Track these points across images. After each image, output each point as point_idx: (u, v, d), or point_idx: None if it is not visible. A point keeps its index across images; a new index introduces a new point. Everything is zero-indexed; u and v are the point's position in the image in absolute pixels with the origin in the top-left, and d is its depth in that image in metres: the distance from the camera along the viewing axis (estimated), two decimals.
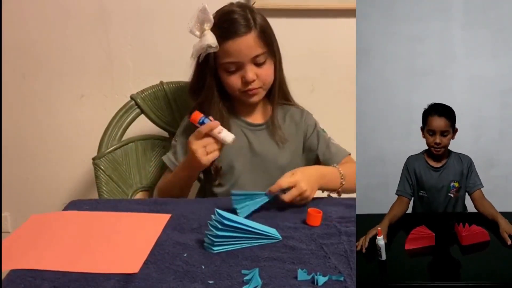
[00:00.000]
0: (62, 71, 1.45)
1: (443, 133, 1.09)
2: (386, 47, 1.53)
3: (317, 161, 1.17)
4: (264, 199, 0.90)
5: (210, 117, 0.98)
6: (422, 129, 1.14)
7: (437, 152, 1.12)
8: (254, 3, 1.31)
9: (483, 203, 1.09)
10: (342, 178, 1.02)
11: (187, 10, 1.36)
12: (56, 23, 1.41)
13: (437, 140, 1.10)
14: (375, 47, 1.53)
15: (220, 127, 0.96)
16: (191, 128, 1.02)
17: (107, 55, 1.44)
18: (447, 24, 1.51)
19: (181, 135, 1.12)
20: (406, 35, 1.52)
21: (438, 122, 1.09)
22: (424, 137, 1.14)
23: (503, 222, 0.97)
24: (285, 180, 0.91)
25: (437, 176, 1.14)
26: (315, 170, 1.00)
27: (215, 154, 0.97)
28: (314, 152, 1.15)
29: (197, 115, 0.97)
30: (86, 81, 1.46)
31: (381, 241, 0.88)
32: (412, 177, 1.14)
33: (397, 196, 1.14)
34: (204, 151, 0.96)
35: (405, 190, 1.13)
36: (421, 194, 1.15)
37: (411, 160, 1.16)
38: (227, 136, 0.96)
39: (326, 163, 1.13)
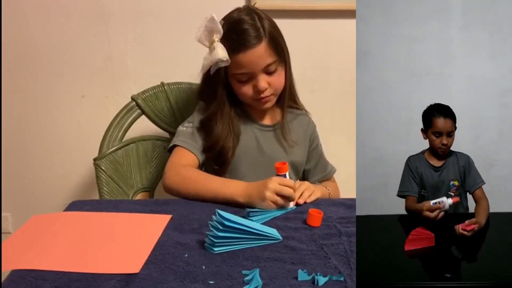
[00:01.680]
0: (63, 72, 1.45)
1: (449, 134, 1.11)
2: (385, 48, 1.54)
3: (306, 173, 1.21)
4: (279, 212, 0.91)
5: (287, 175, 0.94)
6: (424, 130, 1.15)
7: (443, 152, 1.13)
8: (255, 3, 1.32)
9: (480, 203, 1.10)
10: (330, 196, 1.08)
11: (188, 10, 1.38)
12: (57, 23, 1.41)
13: (444, 141, 1.11)
14: (374, 48, 1.53)
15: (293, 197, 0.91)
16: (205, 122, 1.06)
17: (108, 56, 1.44)
18: (446, 25, 1.51)
19: (197, 125, 1.09)
20: (405, 36, 1.52)
21: (445, 124, 1.10)
22: (426, 138, 1.15)
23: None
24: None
25: (437, 176, 1.14)
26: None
27: (272, 206, 0.89)
28: (309, 164, 1.19)
29: (285, 169, 0.93)
30: (87, 81, 1.46)
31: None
32: (416, 175, 1.14)
33: (403, 197, 1.14)
34: (273, 198, 0.88)
35: (413, 189, 1.13)
36: (422, 193, 1.15)
37: (412, 159, 1.17)
38: (291, 204, 0.93)
39: (313, 177, 1.19)
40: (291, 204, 0.92)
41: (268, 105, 1.08)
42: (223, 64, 0.99)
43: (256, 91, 1.03)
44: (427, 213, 1.01)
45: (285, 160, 1.12)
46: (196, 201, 0.95)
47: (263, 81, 1.02)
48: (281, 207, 0.90)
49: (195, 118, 1.11)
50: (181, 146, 1.05)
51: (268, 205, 0.88)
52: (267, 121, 1.15)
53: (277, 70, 1.04)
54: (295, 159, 1.15)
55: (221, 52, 0.97)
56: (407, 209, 1.12)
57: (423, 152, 1.17)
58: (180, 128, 1.11)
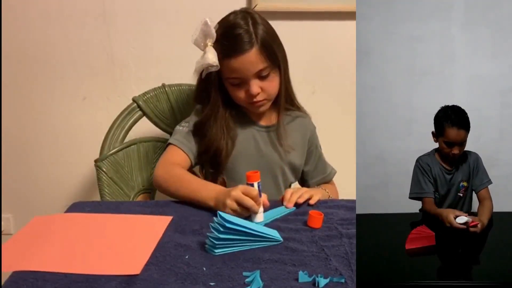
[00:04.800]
0: (65, 74, 1.45)
1: (461, 143, 1.08)
2: (386, 47, 1.53)
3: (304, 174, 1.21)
4: (279, 213, 0.91)
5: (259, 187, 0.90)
6: (435, 135, 1.12)
7: (453, 160, 1.11)
8: (255, 5, 1.31)
9: (484, 203, 1.09)
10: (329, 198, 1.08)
11: (189, 12, 1.38)
12: (58, 25, 1.41)
13: (456, 152, 1.08)
14: (375, 47, 1.53)
15: (259, 209, 0.87)
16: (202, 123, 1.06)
17: (110, 58, 1.44)
18: (447, 24, 1.51)
19: (191, 126, 1.09)
20: (406, 35, 1.52)
21: (458, 135, 1.07)
22: (436, 142, 1.12)
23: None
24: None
25: (449, 178, 1.13)
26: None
27: (232, 213, 0.86)
28: (308, 166, 1.19)
29: (255, 178, 0.89)
30: (88, 83, 1.46)
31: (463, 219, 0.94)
32: (431, 177, 1.12)
33: (418, 199, 1.13)
34: (232, 206, 0.87)
35: (430, 190, 1.11)
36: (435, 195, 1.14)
37: (424, 160, 1.14)
38: (258, 217, 0.88)
39: (313, 179, 1.19)
40: (258, 218, 0.87)
41: (262, 109, 1.08)
42: (213, 69, 0.99)
43: (248, 95, 1.03)
44: (454, 225, 0.96)
45: (281, 162, 1.12)
46: (178, 199, 0.97)
47: (255, 86, 1.02)
48: (245, 217, 0.86)
49: (192, 119, 1.11)
50: (174, 145, 1.06)
51: (228, 212, 0.85)
52: (263, 122, 1.14)
53: (270, 75, 1.03)
54: (293, 161, 1.14)
55: (211, 57, 0.97)
56: (424, 211, 1.11)
57: (433, 153, 1.15)
58: (177, 127, 1.12)
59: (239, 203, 0.86)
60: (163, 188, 1.00)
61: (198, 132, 1.08)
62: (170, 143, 1.07)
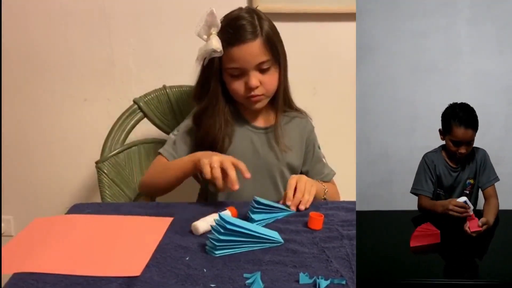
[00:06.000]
0: (65, 75, 1.46)
1: (468, 143, 1.06)
2: (391, 43, 1.52)
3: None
4: (281, 214, 0.91)
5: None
6: (442, 132, 1.11)
7: (460, 158, 1.09)
8: (257, 6, 1.31)
9: (490, 202, 1.08)
10: (324, 194, 1.06)
11: (190, 13, 1.37)
12: (59, 26, 1.41)
13: (463, 151, 1.07)
14: (379, 43, 1.52)
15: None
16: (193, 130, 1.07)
17: (110, 59, 1.44)
18: (452, 20, 1.50)
19: (183, 131, 1.10)
20: (411, 31, 1.51)
21: (465, 134, 1.05)
22: (443, 140, 1.11)
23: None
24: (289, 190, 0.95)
25: (455, 176, 1.12)
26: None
27: (208, 171, 0.91)
28: (306, 166, 1.18)
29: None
30: (89, 85, 1.46)
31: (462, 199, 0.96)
32: (434, 175, 1.12)
33: (416, 194, 1.12)
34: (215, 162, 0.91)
35: (429, 189, 1.10)
36: (438, 192, 1.13)
37: (429, 157, 1.13)
38: (199, 225, 0.81)
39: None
40: (199, 225, 0.81)
41: (259, 105, 1.07)
42: (216, 55, 0.99)
43: (247, 88, 1.03)
44: (455, 209, 0.97)
45: (279, 163, 1.12)
46: (164, 185, 1.04)
47: (254, 78, 1.01)
48: (215, 188, 0.91)
49: (184, 124, 1.12)
50: (161, 154, 1.09)
51: (206, 164, 0.90)
52: (259, 123, 1.14)
53: (270, 70, 1.03)
54: (291, 162, 1.14)
55: (215, 43, 0.98)
56: (420, 207, 1.10)
57: (440, 150, 1.14)
58: (170, 135, 1.13)
59: (223, 167, 0.90)
60: (151, 185, 1.06)
61: (195, 122, 1.08)
62: (159, 152, 1.10)
